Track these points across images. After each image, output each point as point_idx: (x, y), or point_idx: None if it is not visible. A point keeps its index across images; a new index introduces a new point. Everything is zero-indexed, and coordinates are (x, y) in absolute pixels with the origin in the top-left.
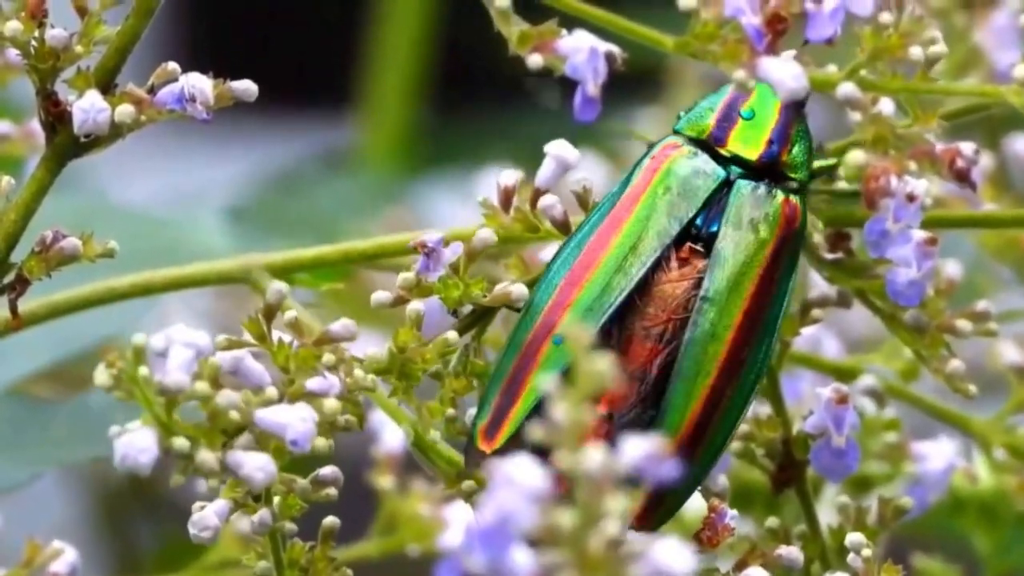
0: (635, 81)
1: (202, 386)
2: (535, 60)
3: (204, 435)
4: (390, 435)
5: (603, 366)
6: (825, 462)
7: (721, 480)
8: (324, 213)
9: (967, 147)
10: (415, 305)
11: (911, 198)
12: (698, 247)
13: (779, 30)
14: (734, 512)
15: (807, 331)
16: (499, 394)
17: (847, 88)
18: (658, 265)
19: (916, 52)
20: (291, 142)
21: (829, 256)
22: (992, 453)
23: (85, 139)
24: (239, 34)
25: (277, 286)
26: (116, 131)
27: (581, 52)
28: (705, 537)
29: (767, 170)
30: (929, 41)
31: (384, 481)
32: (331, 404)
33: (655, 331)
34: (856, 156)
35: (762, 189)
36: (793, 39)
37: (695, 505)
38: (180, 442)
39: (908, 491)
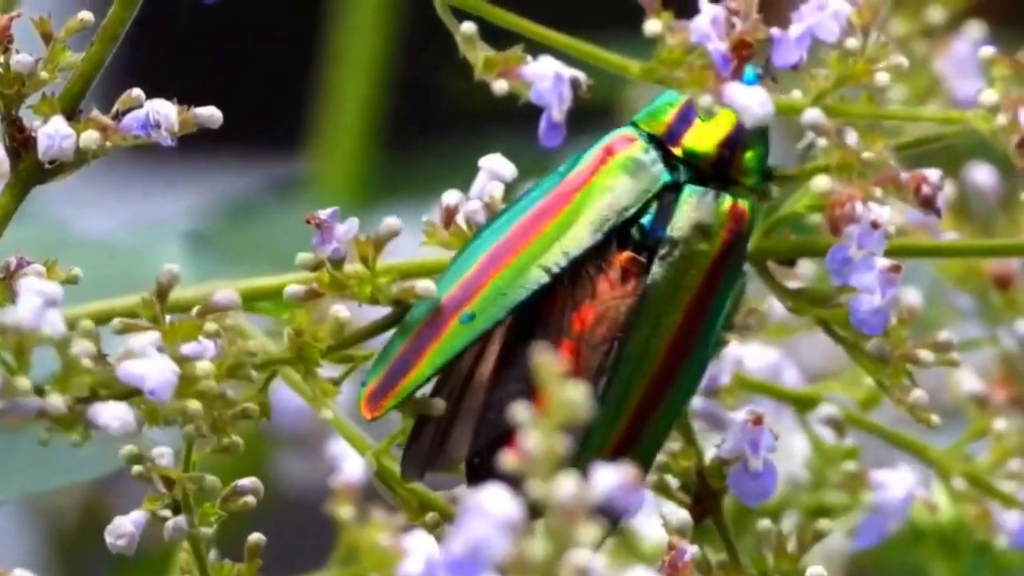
0: (587, 115)
1: (51, 332)
2: (501, 86)
3: (58, 383)
4: (349, 465)
5: (576, 395)
6: (743, 486)
7: (682, 514)
8: (281, 243)
9: (933, 174)
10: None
11: (875, 225)
12: (639, 256)
13: (745, 56)
14: (694, 548)
15: (766, 360)
16: (393, 359)
17: (813, 114)
18: (594, 266)
19: (882, 78)
20: (245, 174)
21: (791, 285)
22: (951, 482)
23: (50, 165)
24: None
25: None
26: (81, 157)
27: (546, 78)
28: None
29: (718, 173)
30: (895, 67)
31: (343, 511)
32: (204, 366)
33: (585, 335)
34: (821, 182)
35: (709, 196)
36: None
37: (654, 536)
38: (22, 382)
39: (867, 520)
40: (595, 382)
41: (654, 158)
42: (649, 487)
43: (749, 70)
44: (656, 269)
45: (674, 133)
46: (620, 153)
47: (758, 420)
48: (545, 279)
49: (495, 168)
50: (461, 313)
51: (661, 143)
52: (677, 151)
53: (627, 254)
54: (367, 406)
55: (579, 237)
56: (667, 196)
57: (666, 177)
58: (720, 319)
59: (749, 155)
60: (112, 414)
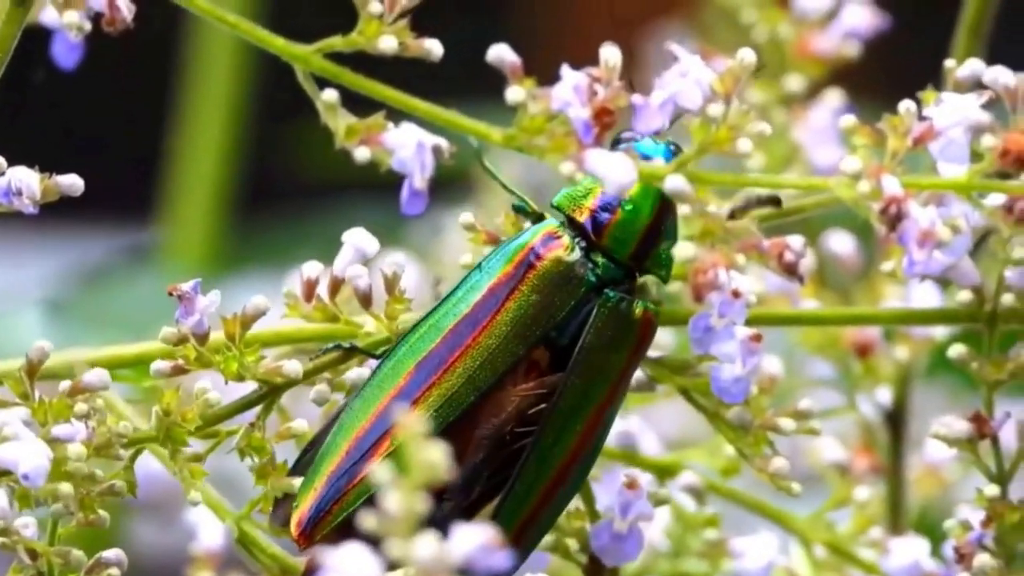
0: (444, 181)
1: None
2: (362, 153)
3: None
4: (208, 532)
5: (436, 456)
6: (603, 543)
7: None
8: (136, 309)
9: (795, 241)
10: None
11: (736, 294)
12: (547, 356)
13: (606, 123)
14: None
15: (625, 428)
16: (323, 482)
17: (676, 181)
18: (515, 374)
19: (744, 145)
20: (96, 241)
21: (652, 354)
22: (813, 550)
23: None
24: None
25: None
26: None
27: (408, 145)
28: None
29: (636, 265)
30: (757, 135)
31: None
32: (75, 448)
33: (492, 436)
34: (684, 249)
35: (624, 304)
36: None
37: None
38: None
39: None
40: (492, 470)
41: (580, 260)
42: (547, 548)
43: (662, 146)
44: (569, 376)
45: (597, 222)
46: (548, 256)
47: (632, 485)
48: (474, 398)
49: (358, 243)
50: (393, 436)
51: (582, 230)
52: (599, 241)
53: (541, 353)
54: (301, 536)
55: (510, 352)
56: (587, 295)
57: (591, 279)
58: (618, 409)
59: (664, 247)
60: None
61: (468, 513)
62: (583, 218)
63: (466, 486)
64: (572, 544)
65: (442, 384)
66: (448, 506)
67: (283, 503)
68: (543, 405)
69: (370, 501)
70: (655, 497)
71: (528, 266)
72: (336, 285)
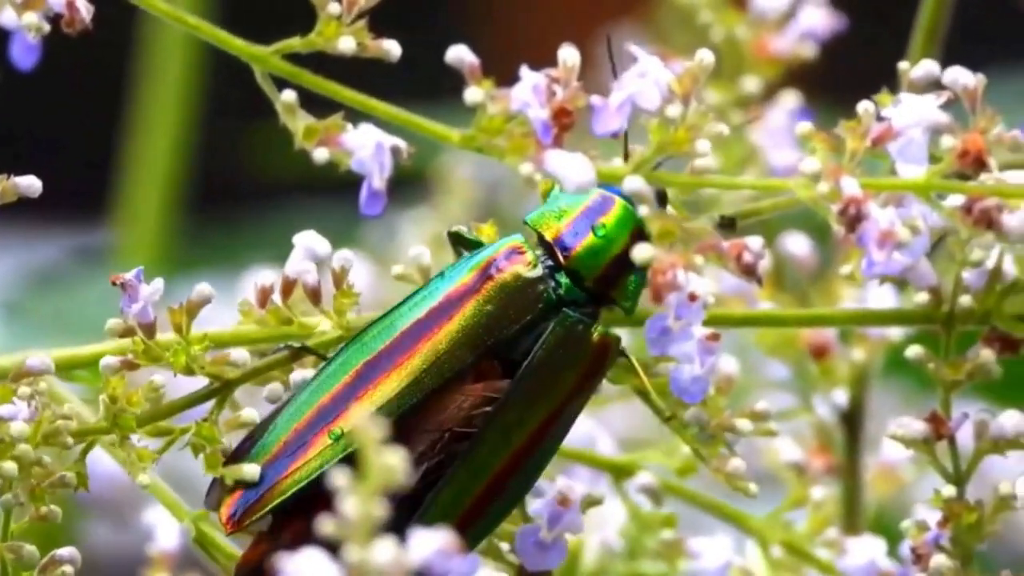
0: (400, 182)
1: None
2: (321, 154)
3: None
4: (165, 532)
5: (393, 460)
6: (526, 549)
7: None
8: (90, 311)
9: (753, 242)
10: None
11: (693, 297)
12: (498, 365)
13: (565, 124)
14: None
15: (582, 428)
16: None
17: (634, 182)
18: (457, 375)
19: (702, 146)
20: (48, 243)
21: None
22: (769, 550)
23: None
24: None
25: None
26: None
27: (367, 146)
28: None
29: (599, 291)
30: (715, 135)
31: None
32: (18, 426)
33: (429, 436)
34: (643, 250)
35: (581, 326)
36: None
37: None
38: None
39: None
40: (426, 467)
41: (540, 276)
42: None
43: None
44: (515, 388)
45: (566, 244)
46: (507, 270)
47: (564, 501)
48: (417, 399)
49: (310, 245)
50: (330, 430)
51: (551, 249)
52: (565, 262)
53: (493, 362)
54: (229, 521)
55: (458, 358)
56: (545, 312)
57: (551, 297)
58: (565, 431)
59: (632, 279)
60: None
61: (399, 507)
62: (553, 237)
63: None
64: (504, 546)
65: (388, 383)
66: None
67: (216, 487)
68: (486, 408)
69: (302, 493)
70: (589, 500)
71: (487, 277)
72: (288, 287)
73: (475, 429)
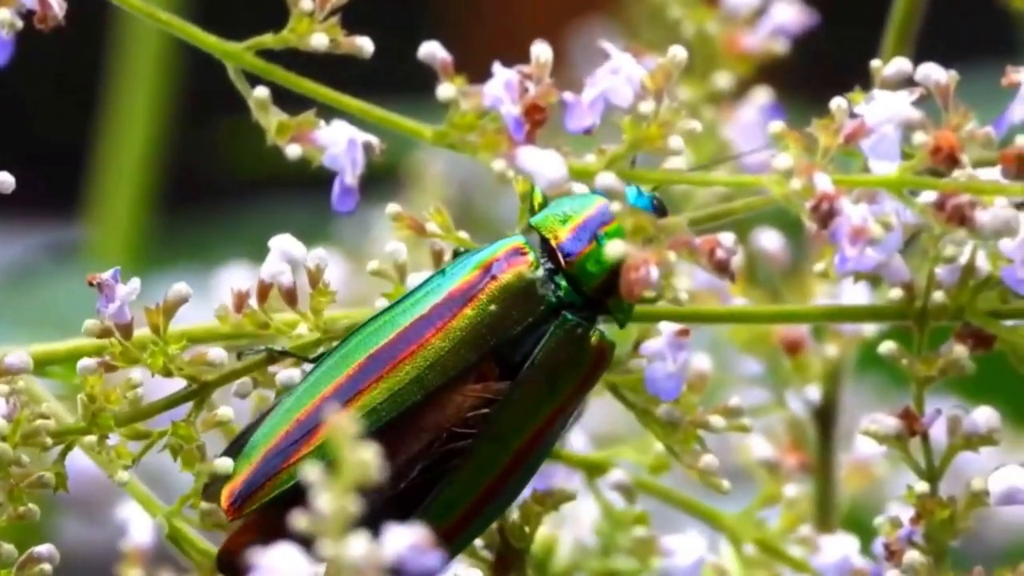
0: (373, 178)
1: None
2: (294, 150)
3: None
4: (138, 528)
5: (367, 456)
6: None
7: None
8: (63, 307)
9: (726, 238)
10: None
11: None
12: (496, 367)
13: (538, 120)
14: None
15: None
16: (257, 461)
17: (607, 178)
18: (459, 375)
19: (675, 142)
20: (20, 241)
21: None
22: (742, 548)
23: None
24: None
25: None
26: None
27: (339, 143)
28: None
29: (597, 298)
30: (687, 132)
31: (132, 574)
32: None
33: (427, 435)
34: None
35: (580, 330)
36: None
37: None
38: None
39: None
40: (424, 465)
41: (541, 279)
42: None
43: (641, 194)
44: (516, 390)
45: (569, 249)
46: (509, 271)
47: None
48: (419, 397)
49: (285, 248)
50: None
51: (553, 253)
52: (567, 267)
53: (492, 364)
54: (230, 507)
55: (462, 357)
56: (545, 315)
57: (551, 299)
58: (559, 433)
59: None
60: None
61: (395, 504)
62: (557, 242)
63: (396, 477)
64: (478, 542)
65: (389, 378)
66: (374, 496)
67: (217, 481)
68: (485, 410)
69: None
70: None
71: (490, 277)
72: (264, 291)
73: (471, 430)
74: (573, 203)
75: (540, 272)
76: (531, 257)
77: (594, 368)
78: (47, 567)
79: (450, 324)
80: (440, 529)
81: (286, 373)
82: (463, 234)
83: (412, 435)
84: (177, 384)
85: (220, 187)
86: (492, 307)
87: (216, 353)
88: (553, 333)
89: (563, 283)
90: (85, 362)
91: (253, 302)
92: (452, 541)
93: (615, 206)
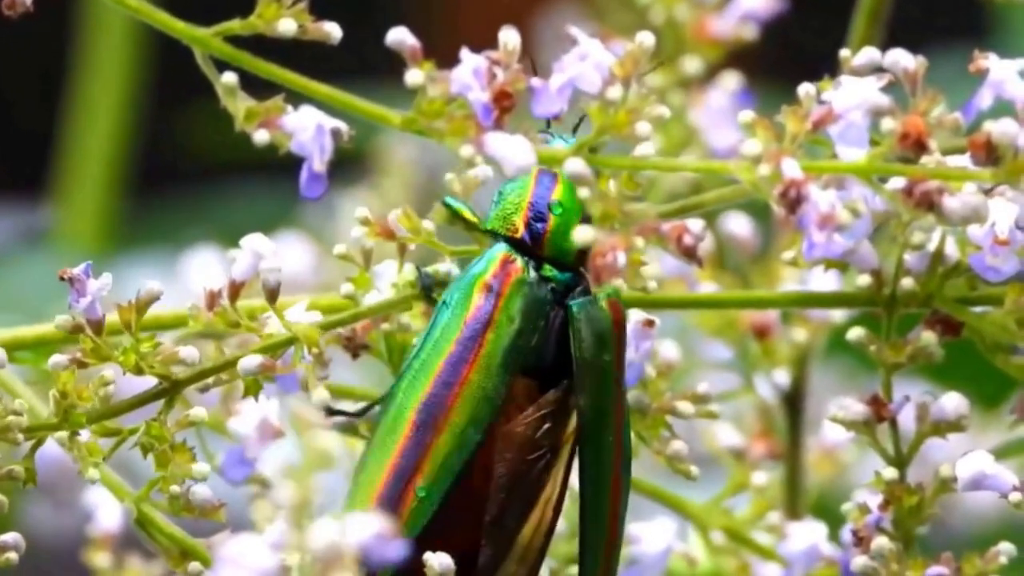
0: (339, 162)
1: None
2: (261, 136)
3: None
4: (106, 513)
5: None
6: None
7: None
8: (29, 291)
9: (694, 224)
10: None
11: None
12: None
13: (506, 106)
14: None
15: None
16: None
17: (575, 164)
18: (505, 405)
19: (643, 128)
20: None
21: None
22: (710, 535)
23: None
24: None
25: None
26: None
27: (308, 128)
28: None
29: (579, 262)
30: (656, 118)
31: (99, 559)
32: None
33: (510, 471)
34: (583, 232)
35: (591, 306)
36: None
37: None
38: None
39: (625, 573)
40: (520, 504)
41: (537, 278)
42: None
43: (564, 137)
44: (579, 399)
45: (535, 234)
46: (509, 283)
47: None
48: (480, 437)
49: (257, 248)
50: (414, 489)
51: (523, 246)
52: (542, 251)
53: (525, 380)
54: None
55: (501, 382)
56: (553, 310)
57: (551, 296)
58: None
59: None
60: None
61: (507, 551)
62: (521, 234)
63: (499, 526)
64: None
65: (448, 428)
66: (488, 552)
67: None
68: (547, 425)
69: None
70: None
71: (496, 295)
72: (235, 290)
73: (545, 449)
74: (512, 191)
75: (532, 272)
76: (519, 262)
77: (620, 328)
78: (13, 556)
79: (481, 353)
80: (612, 538)
81: (250, 360)
82: (428, 224)
83: (493, 480)
84: (149, 381)
85: (187, 171)
86: (510, 325)
87: (188, 352)
88: (573, 325)
89: (550, 269)
90: (57, 358)
91: (225, 302)
92: (615, 543)
93: (584, 191)
